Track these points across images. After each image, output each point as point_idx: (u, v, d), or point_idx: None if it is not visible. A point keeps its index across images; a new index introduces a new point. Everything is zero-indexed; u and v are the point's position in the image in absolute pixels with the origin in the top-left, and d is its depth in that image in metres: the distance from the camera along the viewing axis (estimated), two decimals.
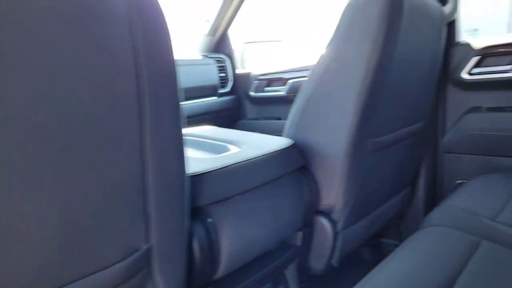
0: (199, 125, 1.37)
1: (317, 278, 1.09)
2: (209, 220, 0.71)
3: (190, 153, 0.96)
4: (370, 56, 0.84)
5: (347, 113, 0.90)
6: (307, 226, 0.98)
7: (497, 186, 1.03)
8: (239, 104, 1.86)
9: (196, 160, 0.80)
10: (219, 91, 1.78)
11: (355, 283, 0.66)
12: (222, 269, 0.75)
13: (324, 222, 0.99)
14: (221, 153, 0.90)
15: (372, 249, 1.43)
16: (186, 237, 0.64)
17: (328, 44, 0.92)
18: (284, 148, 0.90)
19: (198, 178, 0.71)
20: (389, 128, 1.02)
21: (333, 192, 0.96)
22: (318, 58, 0.95)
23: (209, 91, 1.74)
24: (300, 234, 0.96)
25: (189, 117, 1.66)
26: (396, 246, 1.51)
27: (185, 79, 1.62)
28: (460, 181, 1.34)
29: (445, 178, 1.38)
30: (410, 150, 1.19)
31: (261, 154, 0.84)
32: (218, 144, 0.96)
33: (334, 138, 0.93)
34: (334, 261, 1.03)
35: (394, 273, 0.69)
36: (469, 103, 1.31)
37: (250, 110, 1.84)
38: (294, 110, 1.00)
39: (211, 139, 0.99)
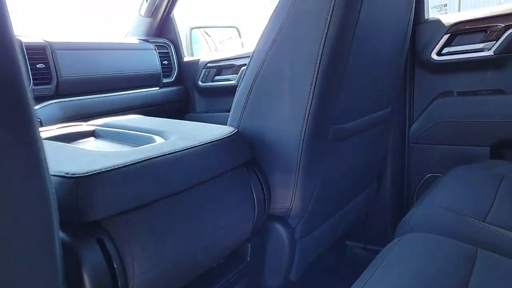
0: None
1: None
2: (108, 239, 0.50)
3: (103, 147, 0.74)
4: (329, 16, 0.66)
5: (302, 93, 0.72)
6: (258, 235, 0.79)
7: (477, 179, 0.88)
8: (187, 96, 1.64)
9: (101, 156, 0.58)
10: (162, 81, 1.56)
11: None
12: None
13: (279, 229, 0.80)
14: (142, 145, 0.69)
15: (335, 253, 1.26)
16: (61, 270, 0.42)
17: (276, 9, 0.74)
18: (224, 138, 0.70)
19: (90, 180, 0.50)
20: (353, 113, 0.86)
21: (289, 191, 0.78)
22: (264, 28, 0.76)
23: (150, 80, 1.51)
24: (249, 246, 0.77)
25: (125, 109, 1.42)
26: (362, 248, 1.37)
27: (116, 65, 1.38)
28: (430, 174, 1.21)
29: (413, 172, 1.24)
30: (377, 140, 1.04)
31: (192, 145, 0.64)
32: (142, 135, 0.74)
33: (288, 125, 0.75)
34: (293, 275, 0.84)
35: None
36: (439, 87, 1.17)
37: (199, 102, 1.63)
38: (239, 94, 0.80)
39: (135, 129, 0.78)
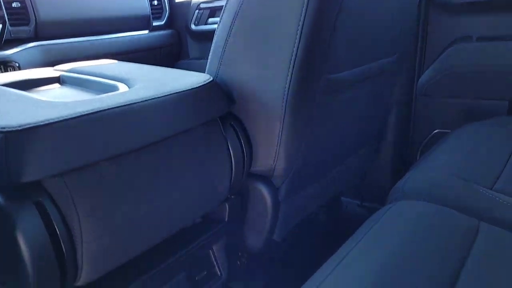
0: None
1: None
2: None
3: (64, 95, 0.66)
4: None
5: (288, 36, 0.62)
6: (238, 194, 0.73)
7: (489, 138, 0.79)
8: (179, 41, 1.52)
9: (45, 106, 0.51)
10: (152, 24, 1.44)
11: (309, 249, 0.42)
12: (86, 275, 0.49)
13: (261, 189, 0.73)
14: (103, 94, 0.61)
15: (328, 209, 1.20)
16: None
17: None
18: (195, 88, 0.61)
19: (23, 135, 0.43)
20: (351, 61, 0.75)
21: (272, 149, 0.70)
22: None
23: (138, 23, 1.39)
24: (226, 206, 0.71)
25: (112, 54, 1.33)
26: (359, 206, 1.31)
27: (102, 6, 1.27)
28: (437, 131, 1.11)
29: (420, 127, 1.14)
30: (379, 92, 0.93)
31: (155, 96, 0.56)
32: (106, 82, 0.66)
33: (271, 74, 0.65)
34: (277, 236, 0.79)
35: (370, 264, 0.44)
36: (456, 32, 1.03)
37: (192, 47, 1.51)
38: (217, 38, 0.70)
39: (102, 76, 0.69)
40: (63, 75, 0.74)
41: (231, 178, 0.68)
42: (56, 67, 0.80)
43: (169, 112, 0.57)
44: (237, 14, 0.65)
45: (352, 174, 1.00)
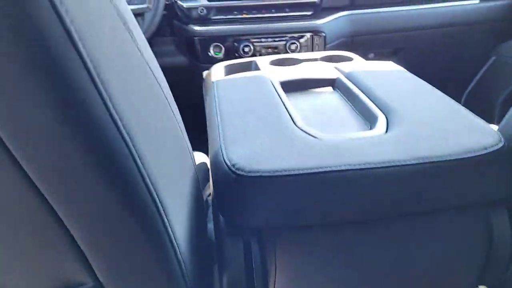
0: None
1: None
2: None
3: (328, 108, 0.64)
4: None
5: None
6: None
7: None
8: None
9: (290, 145, 0.49)
10: None
11: None
12: None
13: None
14: (363, 128, 0.56)
15: None
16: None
17: None
18: (479, 156, 0.44)
19: (252, 182, 0.44)
20: None
21: None
22: None
23: None
24: None
25: (422, 28, 1.18)
26: None
27: None
28: None
29: None
30: None
31: (414, 160, 0.44)
32: (370, 108, 0.58)
33: None
34: None
35: None
36: None
37: None
38: None
39: (370, 95, 0.61)
40: (339, 80, 0.71)
41: (484, 269, 0.50)
42: (340, 64, 0.77)
43: (426, 184, 0.44)
44: None
45: None
